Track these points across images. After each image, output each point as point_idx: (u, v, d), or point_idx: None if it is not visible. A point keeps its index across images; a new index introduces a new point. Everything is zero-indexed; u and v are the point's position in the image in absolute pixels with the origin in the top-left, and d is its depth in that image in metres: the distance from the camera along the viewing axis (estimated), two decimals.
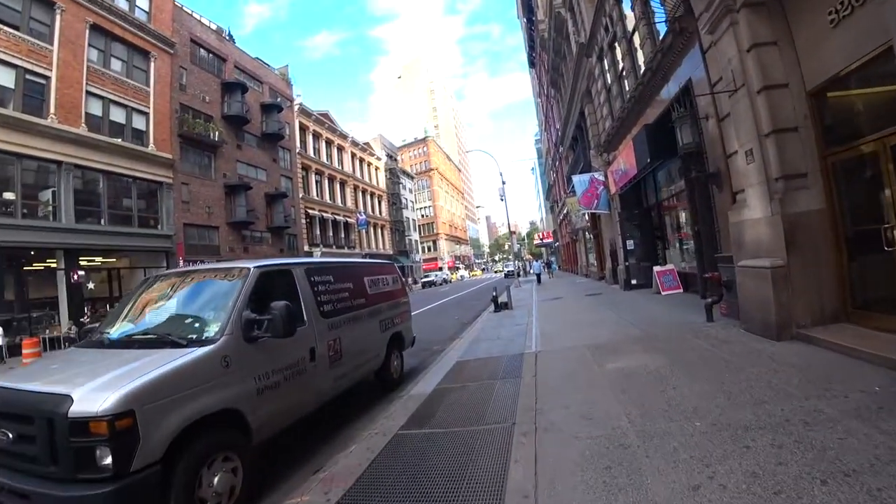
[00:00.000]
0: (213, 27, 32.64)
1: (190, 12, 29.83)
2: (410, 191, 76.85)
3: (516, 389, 5.57)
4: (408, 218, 70.71)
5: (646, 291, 14.51)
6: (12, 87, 18.39)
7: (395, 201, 64.28)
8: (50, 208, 19.60)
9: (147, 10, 25.43)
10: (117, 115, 23.15)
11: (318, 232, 41.86)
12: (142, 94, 24.67)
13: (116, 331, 4.13)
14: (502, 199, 28.60)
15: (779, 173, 6.26)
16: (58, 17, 20.26)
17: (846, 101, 6.14)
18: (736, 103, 6.85)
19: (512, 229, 43.33)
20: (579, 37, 18.72)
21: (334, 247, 43.96)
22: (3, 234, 17.00)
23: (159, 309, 4.25)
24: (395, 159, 70.20)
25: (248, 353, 3.79)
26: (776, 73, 6.34)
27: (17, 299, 18.01)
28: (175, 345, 3.54)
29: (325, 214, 43.43)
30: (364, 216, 49.38)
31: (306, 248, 38.71)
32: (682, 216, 12.93)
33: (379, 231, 57.37)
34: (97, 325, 4.72)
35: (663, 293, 12.90)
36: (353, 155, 52.17)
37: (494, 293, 16.09)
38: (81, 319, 18.32)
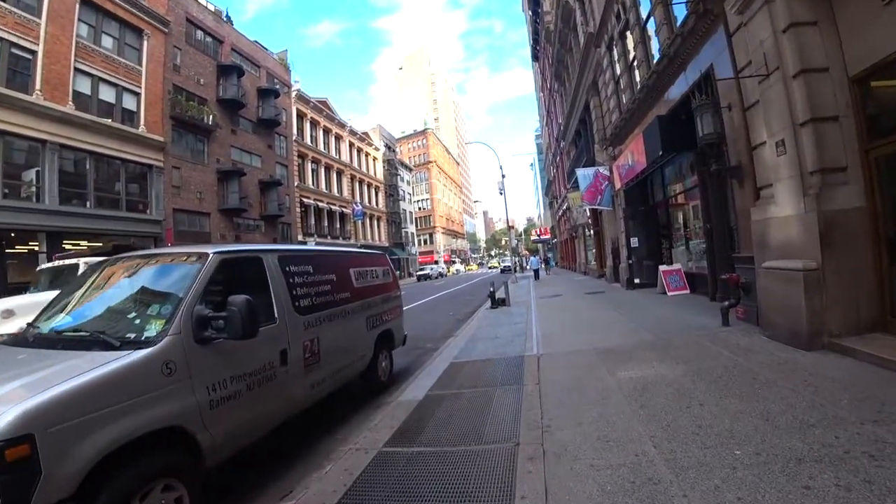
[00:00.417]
0: (212, 8, 31.72)
1: None
2: (408, 183, 75.99)
3: (518, 399, 4.95)
4: (405, 210, 69.94)
5: (649, 291, 13.91)
6: None
7: (393, 193, 63.49)
8: (33, 189, 18.83)
9: None
10: (107, 94, 22.37)
11: (312, 221, 41.11)
12: (133, 74, 23.85)
13: (49, 324, 3.45)
14: (501, 193, 27.95)
15: (815, 166, 5.63)
16: None
17: (894, 89, 5.51)
18: (767, 89, 6.20)
19: (510, 224, 42.67)
20: (588, 26, 18.03)
21: (329, 237, 43.23)
22: None
23: (100, 299, 3.56)
24: (394, 150, 69.29)
25: (200, 358, 3.12)
26: (816, 56, 5.70)
27: None
28: (106, 346, 2.87)
29: (320, 204, 42.65)
30: (360, 207, 48.61)
31: (300, 237, 37.97)
32: (692, 214, 12.32)
33: (375, 222, 56.65)
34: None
35: (669, 294, 12.31)
36: (352, 144, 51.31)
37: (491, 289, 15.46)
38: None
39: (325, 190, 44.25)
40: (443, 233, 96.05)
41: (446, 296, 25.01)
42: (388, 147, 64.82)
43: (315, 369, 4.45)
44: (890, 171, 5.46)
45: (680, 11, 9.22)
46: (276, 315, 4.01)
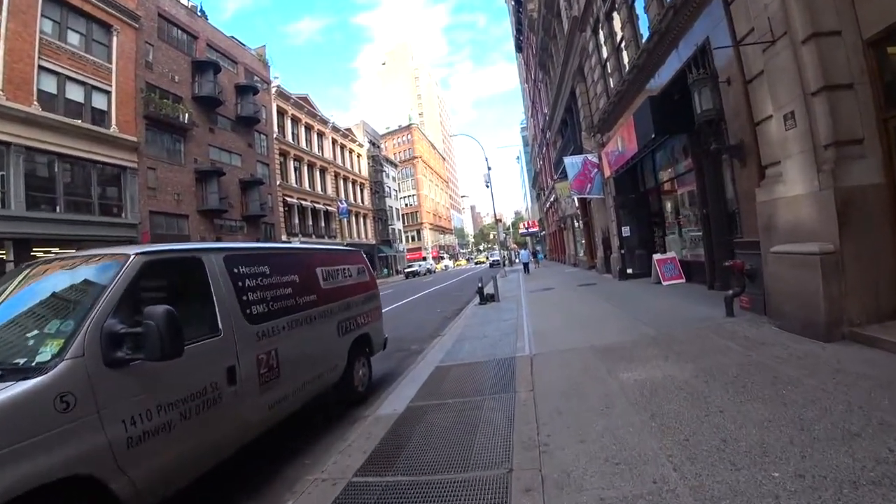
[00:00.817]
0: (185, 3, 30.63)
1: None
2: (394, 179, 74.99)
3: (510, 410, 4.36)
4: (391, 207, 69.02)
5: (643, 281, 13.44)
6: None
7: (378, 189, 62.56)
8: None
9: None
10: (74, 93, 21.40)
11: (296, 221, 40.22)
12: (103, 71, 22.83)
13: None
14: (488, 186, 27.26)
15: (830, 139, 5.10)
16: None
17: None
18: (773, 57, 5.67)
19: (498, 217, 42.07)
20: (572, 10, 17.45)
21: (314, 236, 42.38)
22: None
23: None
24: (379, 147, 68.28)
25: (112, 385, 2.49)
26: (827, 18, 5.18)
27: None
28: None
29: (304, 202, 41.73)
30: (345, 204, 47.68)
31: (284, 237, 37.10)
32: (686, 199, 11.82)
33: (361, 220, 55.77)
34: None
35: (664, 283, 11.83)
36: (335, 141, 50.33)
37: (480, 284, 14.88)
38: None
39: (308, 188, 43.29)
40: (430, 229, 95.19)
41: (434, 292, 24.41)
42: (372, 143, 63.84)
43: (274, 386, 3.82)
44: None
45: None
46: (220, 326, 3.36)
